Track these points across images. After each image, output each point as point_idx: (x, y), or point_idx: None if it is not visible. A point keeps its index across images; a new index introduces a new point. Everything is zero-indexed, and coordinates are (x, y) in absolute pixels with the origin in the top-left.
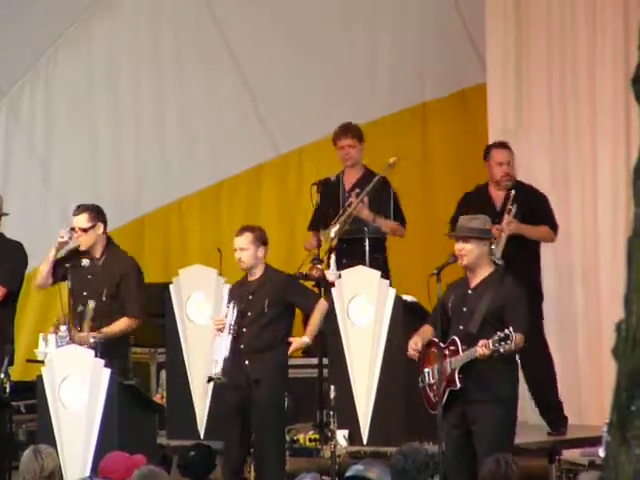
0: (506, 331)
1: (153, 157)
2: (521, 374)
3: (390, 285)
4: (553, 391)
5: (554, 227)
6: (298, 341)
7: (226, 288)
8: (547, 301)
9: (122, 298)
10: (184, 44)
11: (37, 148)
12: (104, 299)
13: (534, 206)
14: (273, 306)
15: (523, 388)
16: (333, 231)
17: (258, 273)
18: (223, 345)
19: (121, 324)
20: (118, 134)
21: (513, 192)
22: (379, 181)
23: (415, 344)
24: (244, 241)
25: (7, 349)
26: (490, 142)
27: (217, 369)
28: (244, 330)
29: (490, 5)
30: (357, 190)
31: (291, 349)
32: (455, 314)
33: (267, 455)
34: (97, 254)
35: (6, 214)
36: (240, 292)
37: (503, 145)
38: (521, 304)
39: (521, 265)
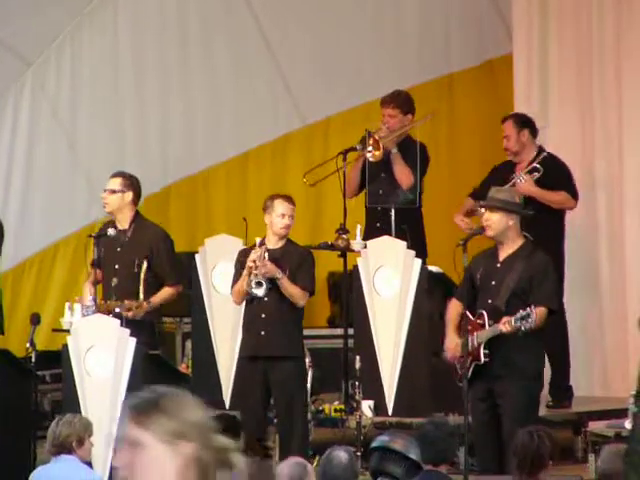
0: (528, 310)
1: (179, 127)
2: None
3: (425, 255)
4: (565, 367)
5: (574, 194)
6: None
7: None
8: (571, 271)
9: (156, 268)
10: (210, 12)
11: (62, 117)
12: (135, 270)
13: (553, 174)
14: (291, 278)
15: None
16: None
17: (281, 242)
18: None
19: (164, 293)
20: (144, 104)
21: (544, 154)
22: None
23: (457, 349)
24: (293, 210)
25: None
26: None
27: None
28: (265, 300)
29: None
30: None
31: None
32: (484, 287)
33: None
34: (125, 224)
35: None
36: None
37: (504, 118)
38: (548, 278)
39: (543, 236)
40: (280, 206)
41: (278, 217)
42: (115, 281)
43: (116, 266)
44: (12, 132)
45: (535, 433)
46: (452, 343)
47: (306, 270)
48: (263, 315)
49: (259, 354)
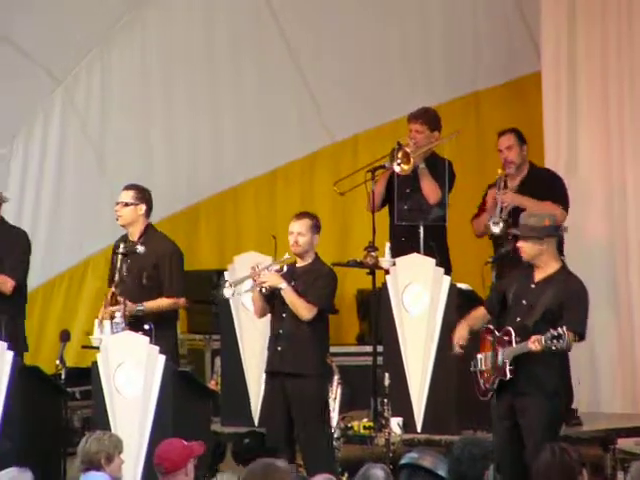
0: (559, 330)
1: (208, 144)
2: None
3: (450, 272)
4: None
5: (564, 206)
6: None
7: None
8: (601, 288)
9: (160, 279)
10: (239, 30)
11: (92, 133)
12: (143, 281)
13: (545, 185)
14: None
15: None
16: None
17: (308, 261)
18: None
19: (159, 302)
20: (172, 121)
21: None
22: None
23: (462, 338)
24: (303, 226)
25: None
26: (545, 131)
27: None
28: (283, 315)
29: None
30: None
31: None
32: (514, 305)
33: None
34: (135, 237)
35: (6, 200)
36: (286, 275)
37: (504, 131)
38: (580, 305)
39: None
40: (289, 224)
41: (288, 235)
42: (120, 290)
43: (123, 275)
44: (42, 148)
45: (556, 446)
46: (458, 332)
47: (320, 286)
48: (281, 331)
49: (276, 370)
